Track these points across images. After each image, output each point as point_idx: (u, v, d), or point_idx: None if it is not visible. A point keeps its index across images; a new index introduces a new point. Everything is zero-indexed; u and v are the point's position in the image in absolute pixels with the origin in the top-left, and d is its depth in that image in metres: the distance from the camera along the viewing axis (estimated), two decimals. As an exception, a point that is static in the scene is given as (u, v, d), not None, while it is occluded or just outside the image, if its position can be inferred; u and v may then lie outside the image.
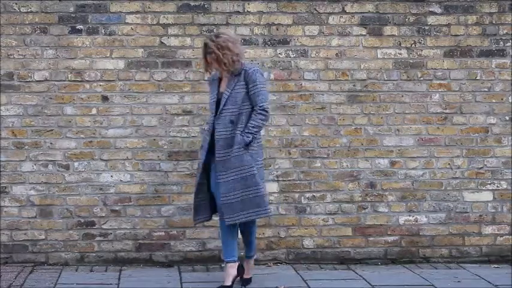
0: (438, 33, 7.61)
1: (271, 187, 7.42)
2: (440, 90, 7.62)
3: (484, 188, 7.67)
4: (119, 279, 6.83)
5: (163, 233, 7.41)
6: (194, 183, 6.75)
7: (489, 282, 6.85)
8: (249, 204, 6.34)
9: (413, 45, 7.59)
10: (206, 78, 7.22)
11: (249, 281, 6.68)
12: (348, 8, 7.53)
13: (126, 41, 7.35)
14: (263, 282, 6.74)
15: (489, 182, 7.67)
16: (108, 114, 7.34)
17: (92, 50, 7.32)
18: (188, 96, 7.40)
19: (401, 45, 7.59)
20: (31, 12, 7.25)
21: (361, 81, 7.56)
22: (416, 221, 7.62)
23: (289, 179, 7.50)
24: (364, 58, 7.56)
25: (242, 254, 6.77)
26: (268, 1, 7.46)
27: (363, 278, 6.94)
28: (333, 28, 7.53)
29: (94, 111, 7.33)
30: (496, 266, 7.54)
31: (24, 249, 7.30)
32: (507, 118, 7.66)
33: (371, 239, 7.58)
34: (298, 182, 7.49)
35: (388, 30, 7.57)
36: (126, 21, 7.34)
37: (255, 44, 7.45)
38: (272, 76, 7.47)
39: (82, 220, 7.34)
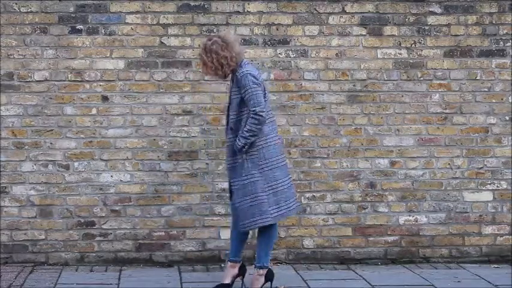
0: (438, 33, 7.61)
1: (271, 187, 7.42)
2: (440, 90, 7.62)
3: (484, 188, 7.67)
4: (119, 279, 6.83)
5: (163, 233, 7.41)
6: None
7: (489, 282, 6.85)
8: (246, 213, 6.27)
9: (413, 45, 7.59)
10: (206, 78, 7.24)
11: None
12: (348, 8, 7.53)
13: (126, 41, 7.35)
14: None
15: (489, 182, 7.67)
16: (108, 114, 7.34)
17: (92, 50, 7.32)
18: (188, 96, 7.40)
19: (402, 45, 7.59)
20: (31, 12, 7.25)
21: (361, 81, 7.56)
22: (416, 221, 7.62)
23: (289, 179, 7.50)
24: (364, 58, 7.56)
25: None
26: (268, 1, 7.46)
27: (363, 278, 6.94)
28: (333, 28, 7.53)
29: (94, 111, 7.33)
30: (496, 266, 7.54)
31: (24, 249, 7.30)
32: (507, 118, 7.66)
33: (371, 239, 7.58)
34: (298, 182, 7.49)
35: (388, 30, 7.57)
36: (126, 21, 7.34)
37: (255, 44, 7.45)
38: (272, 76, 7.47)
39: (82, 220, 7.34)
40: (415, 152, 7.61)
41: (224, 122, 6.74)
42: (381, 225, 7.59)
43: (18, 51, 7.25)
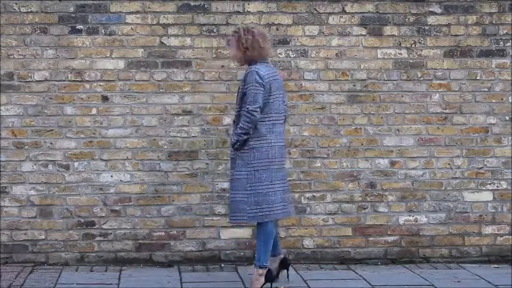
0: (438, 33, 7.61)
1: (271, 187, 7.43)
2: (440, 90, 7.62)
3: (484, 188, 7.67)
4: (119, 279, 6.83)
5: (163, 233, 7.40)
6: None
7: (489, 282, 6.85)
8: (230, 206, 6.51)
9: (413, 45, 7.59)
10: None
11: None
12: (348, 8, 7.53)
13: (126, 41, 7.35)
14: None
15: (489, 182, 7.67)
16: (108, 114, 7.34)
17: (92, 50, 7.32)
18: (188, 96, 7.40)
19: (401, 45, 7.58)
20: (31, 12, 7.25)
21: (361, 81, 7.56)
22: (416, 221, 7.62)
23: (289, 179, 7.42)
24: (364, 58, 7.56)
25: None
26: (268, 1, 7.46)
27: (363, 278, 6.94)
28: (333, 28, 7.53)
29: (94, 111, 7.33)
30: (496, 266, 7.53)
31: (24, 249, 7.30)
32: (507, 118, 7.66)
33: (371, 239, 7.58)
34: (298, 182, 7.49)
35: (388, 30, 7.57)
36: (126, 21, 7.34)
37: (255, 44, 7.44)
38: (272, 76, 7.47)
39: (82, 220, 7.34)
40: (415, 152, 7.61)
41: (224, 122, 7.20)
42: (381, 225, 7.59)
43: (18, 51, 7.25)
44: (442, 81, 7.63)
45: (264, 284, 6.45)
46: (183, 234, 7.42)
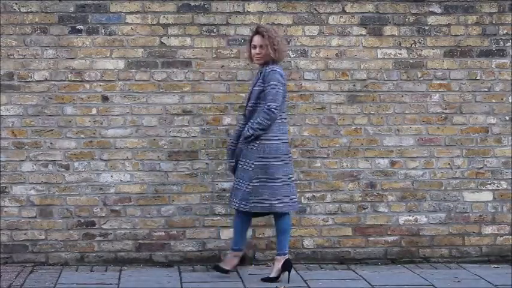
0: (438, 33, 7.61)
1: (271, 187, 7.42)
2: (440, 90, 7.62)
3: (484, 188, 7.67)
4: (119, 279, 6.83)
5: (163, 233, 7.41)
6: None
7: (489, 282, 6.85)
8: (233, 192, 6.81)
9: (413, 45, 7.59)
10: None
11: (268, 279, 6.78)
12: (347, 8, 7.53)
13: (126, 41, 7.35)
14: (263, 282, 6.73)
15: (489, 182, 7.67)
16: (108, 114, 7.34)
17: (92, 50, 7.32)
18: (188, 96, 7.40)
19: (401, 45, 7.58)
20: (31, 12, 7.25)
21: (361, 81, 7.56)
22: (416, 221, 7.62)
23: (289, 179, 7.50)
24: (364, 58, 7.56)
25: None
26: (268, 1, 7.46)
27: (363, 278, 6.94)
28: (333, 28, 7.53)
29: (94, 111, 7.33)
30: (496, 266, 7.53)
31: (24, 249, 7.30)
32: (507, 118, 7.67)
33: (371, 239, 7.58)
34: (298, 182, 7.49)
35: (388, 30, 7.57)
36: (126, 21, 7.34)
37: (255, 44, 7.44)
38: (272, 76, 7.47)
39: (82, 220, 7.34)
40: (415, 152, 7.61)
41: (224, 122, 7.38)
42: (381, 225, 7.59)
43: (18, 51, 7.25)
44: (442, 81, 7.63)
45: (282, 272, 6.76)
46: (183, 234, 7.42)
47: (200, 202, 7.41)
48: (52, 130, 7.30)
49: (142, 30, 7.36)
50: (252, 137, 6.63)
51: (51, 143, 7.30)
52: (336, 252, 7.56)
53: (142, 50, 7.36)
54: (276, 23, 7.46)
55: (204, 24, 7.41)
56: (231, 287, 6.61)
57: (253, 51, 6.77)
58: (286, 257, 6.76)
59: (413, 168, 7.61)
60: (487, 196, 7.68)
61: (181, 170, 7.40)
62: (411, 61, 7.59)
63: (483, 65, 7.65)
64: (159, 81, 7.38)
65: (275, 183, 6.67)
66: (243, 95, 7.31)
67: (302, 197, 7.51)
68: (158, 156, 7.39)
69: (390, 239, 7.60)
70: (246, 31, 7.40)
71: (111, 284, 6.66)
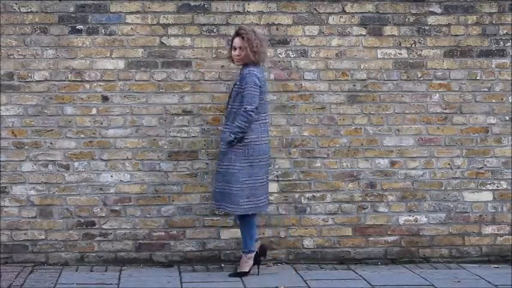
0: (438, 33, 7.61)
1: (271, 187, 7.41)
2: (440, 90, 7.62)
3: (484, 188, 7.67)
4: (119, 279, 6.83)
5: (163, 233, 7.41)
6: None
7: (489, 282, 6.85)
8: (219, 197, 6.90)
9: (413, 45, 7.59)
10: (204, 79, 7.30)
11: (243, 274, 6.93)
12: (347, 8, 7.53)
13: (126, 41, 7.35)
14: (263, 282, 6.74)
15: (489, 182, 7.67)
16: (108, 114, 7.34)
17: (92, 50, 7.32)
18: (188, 96, 7.40)
19: (401, 45, 7.58)
20: (31, 12, 7.25)
21: (361, 81, 7.56)
22: (416, 221, 7.62)
23: (289, 179, 7.50)
24: (364, 58, 7.56)
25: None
26: (268, 1, 7.46)
27: (363, 278, 6.94)
28: (333, 28, 7.53)
29: (94, 111, 7.33)
30: (496, 266, 7.53)
31: (24, 249, 7.30)
32: (507, 118, 7.67)
33: (371, 239, 7.58)
34: (298, 182, 7.50)
35: (388, 30, 7.57)
36: (126, 21, 7.34)
37: (255, 44, 7.44)
38: (272, 76, 7.47)
39: (82, 220, 7.34)
40: (415, 152, 7.61)
41: (224, 121, 7.19)
42: (381, 225, 7.59)
43: (18, 51, 7.25)
44: (442, 81, 7.63)
45: (253, 266, 6.96)
46: (183, 234, 7.42)
47: (200, 202, 7.41)
48: (52, 130, 7.30)
49: (143, 30, 7.36)
50: (235, 141, 6.77)
51: (51, 143, 7.30)
52: (336, 252, 7.56)
53: (142, 50, 7.36)
54: (276, 23, 7.46)
55: (204, 24, 7.41)
56: (231, 287, 6.61)
57: (233, 52, 6.89)
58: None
59: (413, 168, 7.61)
60: (487, 196, 7.68)
61: (181, 170, 7.40)
62: (411, 61, 7.59)
63: (483, 65, 7.65)
64: (159, 81, 7.38)
65: (258, 183, 6.90)
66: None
67: (302, 197, 7.51)
68: (158, 156, 7.39)
69: (390, 239, 7.60)
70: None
71: (111, 284, 6.67)
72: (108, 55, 7.33)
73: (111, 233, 7.36)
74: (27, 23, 7.26)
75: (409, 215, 7.62)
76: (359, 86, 7.55)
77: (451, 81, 7.64)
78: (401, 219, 7.61)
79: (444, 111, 7.63)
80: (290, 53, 7.48)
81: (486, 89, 7.66)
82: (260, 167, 6.88)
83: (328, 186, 7.55)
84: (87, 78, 7.32)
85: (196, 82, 7.41)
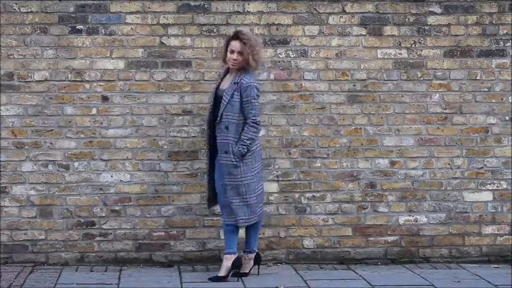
0: (438, 33, 7.61)
1: (271, 187, 7.43)
2: (440, 90, 7.62)
3: (484, 188, 7.67)
4: (119, 279, 6.83)
5: (163, 233, 7.41)
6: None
7: (489, 282, 6.85)
8: (238, 211, 6.73)
9: (413, 45, 7.59)
10: (206, 78, 7.29)
11: (243, 275, 6.87)
12: (347, 8, 7.53)
13: (126, 41, 7.35)
14: (263, 282, 6.74)
15: (489, 182, 7.67)
16: (108, 114, 7.34)
17: (92, 50, 7.32)
18: (188, 96, 7.40)
19: (401, 45, 7.59)
20: (31, 12, 7.25)
21: (361, 81, 7.56)
22: (416, 221, 7.62)
23: (289, 179, 7.50)
24: (364, 58, 7.56)
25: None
26: (268, 1, 7.46)
27: (363, 278, 6.94)
28: (333, 28, 7.53)
29: (94, 111, 7.33)
30: (496, 266, 7.53)
31: (24, 249, 7.30)
32: (507, 118, 7.67)
33: (371, 239, 7.58)
34: (298, 182, 7.50)
35: (388, 30, 7.57)
36: (126, 21, 7.34)
37: (255, 44, 7.44)
38: (272, 76, 7.47)
39: (82, 220, 7.34)
40: (415, 152, 7.61)
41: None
42: (381, 225, 7.59)
43: (18, 51, 7.25)
44: (442, 81, 7.63)
45: (253, 266, 6.96)
46: (183, 234, 7.43)
47: (200, 202, 7.41)
48: (52, 130, 7.30)
49: (142, 30, 7.36)
50: (248, 153, 6.73)
51: (51, 143, 7.30)
52: (336, 252, 7.56)
53: (142, 50, 7.36)
54: (276, 23, 7.47)
55: (204, 24, 7.41)
56: (231, 287, 6.61)
57: (229, 55, 6.74)
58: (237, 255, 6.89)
59: (413, 168, 7.61)
60: (487, 196, 7.68)
61: (181, 170, 7.40)
62: (411, 61, 7.59)
63: (483, 65, 7.65)
64: (159, 81, 7.39)
65: (262, 185, 6.95)
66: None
67: (302, 197, 7.51)
68: (158, 156, 7.40)
69: (390, 239, 7.60)
70: (246, 31, 7.39)
71: (111, 284, 6.66)
72: (108, 55, 7.33)
73: (111, 233, 7.36)
74: (27, 23, 7.26)
75: (409, 215, 7.62)
76: (359, 86, 7.55)
77: (451, 81, 7.64)
78: (401, 219, 7.61)
79: (444, 111, 7.63)
80: (290, 53, 7.48)
81: (486, 89, 7.66)
82: (262, 171, 6.96)
83: (328, 186, 7.55)
84: (87, 78, 7.32)
85: (196, 82, 7.41)
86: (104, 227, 7.36)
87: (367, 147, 7.58)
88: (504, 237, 7.69)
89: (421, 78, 7.61)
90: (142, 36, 7.36)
